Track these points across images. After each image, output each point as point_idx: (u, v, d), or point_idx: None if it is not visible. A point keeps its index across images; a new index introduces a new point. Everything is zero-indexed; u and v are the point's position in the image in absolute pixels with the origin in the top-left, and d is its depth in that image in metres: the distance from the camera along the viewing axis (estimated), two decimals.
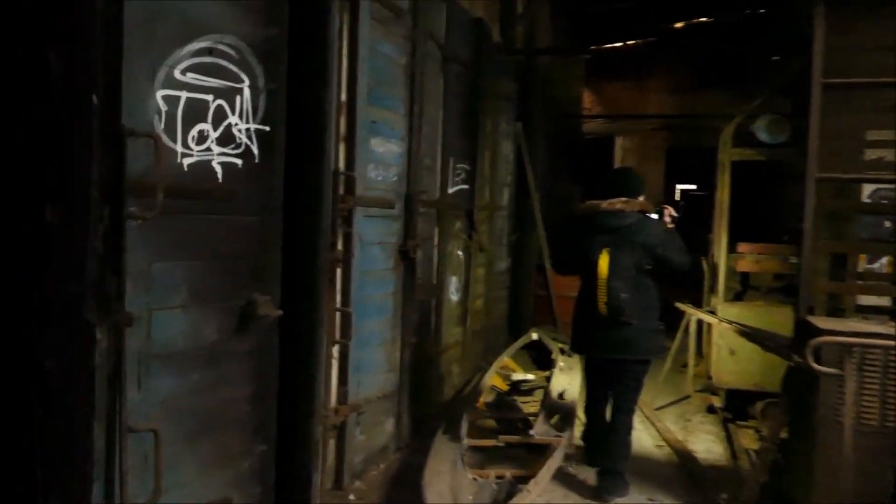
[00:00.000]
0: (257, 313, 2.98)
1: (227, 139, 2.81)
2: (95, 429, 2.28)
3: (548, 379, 5.98)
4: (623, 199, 4.20)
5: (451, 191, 5.83)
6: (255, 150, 2.96)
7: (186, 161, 2.66)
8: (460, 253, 6.17)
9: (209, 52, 2.71)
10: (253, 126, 2.94)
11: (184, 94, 2.63)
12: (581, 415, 4.90)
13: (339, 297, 4.03)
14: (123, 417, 2.40)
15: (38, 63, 1.87)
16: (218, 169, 2.79)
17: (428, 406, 5.45)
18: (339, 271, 3.99)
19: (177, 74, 2.59)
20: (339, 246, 3.93)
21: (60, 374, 2.07)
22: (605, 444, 4.35)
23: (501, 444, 4.66)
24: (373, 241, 4.37)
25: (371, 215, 4.29)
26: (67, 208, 1.94)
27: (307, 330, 3.30)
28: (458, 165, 6.02)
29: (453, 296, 6.02)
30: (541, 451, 4.41)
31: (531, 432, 4.61)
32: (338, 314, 3.97)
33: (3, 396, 2.02)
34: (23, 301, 2.01)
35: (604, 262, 4.08)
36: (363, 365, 4.36)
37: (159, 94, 2.54)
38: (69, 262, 2.07)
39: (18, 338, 2.01)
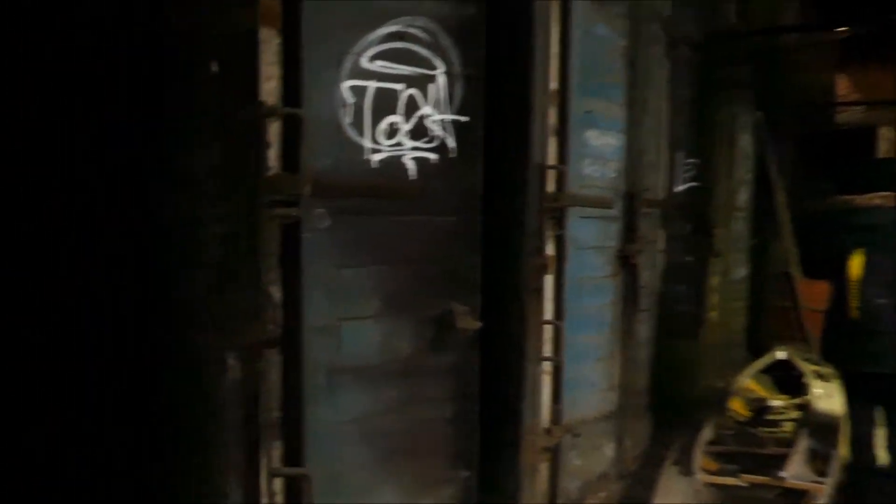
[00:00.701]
0: (455, 325, 2.69)
1: (419, 132, 2.56)
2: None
3: (800, 408, 5.07)
4: (883, 193, 3.40)
5: (678, 189, 5.18)
6: (451, 144, 2.67)
7: (375, 157, 2.44)
8: (691, 259, 5.48)
9: (399, 36, 2.47)
10: (448, 117, 2.65)
11: (372, 84, 2.40)
12: (845, 451, 4.03)
13: (549, 308, 3.63)
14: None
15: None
16: (410, 165, 2.54)
17: (654, 431, 4.86)
18: (548, 279, 3.59)
19: (364, 63, 2.38)
20: (549, 250, 3.53)
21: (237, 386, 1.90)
22: (877, 492, 3.49)
23: (744, 485, 3.95)
24: (588, 244, 3.91)
25: (586, 216, 3.83)
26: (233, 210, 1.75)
27: (511, 344, 2.95)
28: (687, 160, 5.35)
29: (683, 307, 5.35)
30: (794, 499, 3.65)
31: (782, 474, 3.85)
32: (548, 327, 3.57)
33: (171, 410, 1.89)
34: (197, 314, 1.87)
35: (857, 264, 3.34)
36: (579, 382, 3.92)
37: (345, 84, 2.34)
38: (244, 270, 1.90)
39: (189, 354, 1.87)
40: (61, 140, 2.11)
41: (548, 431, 3.68)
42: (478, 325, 2.74)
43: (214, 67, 1.35)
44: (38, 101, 2.12)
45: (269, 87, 2.20)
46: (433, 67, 2.59)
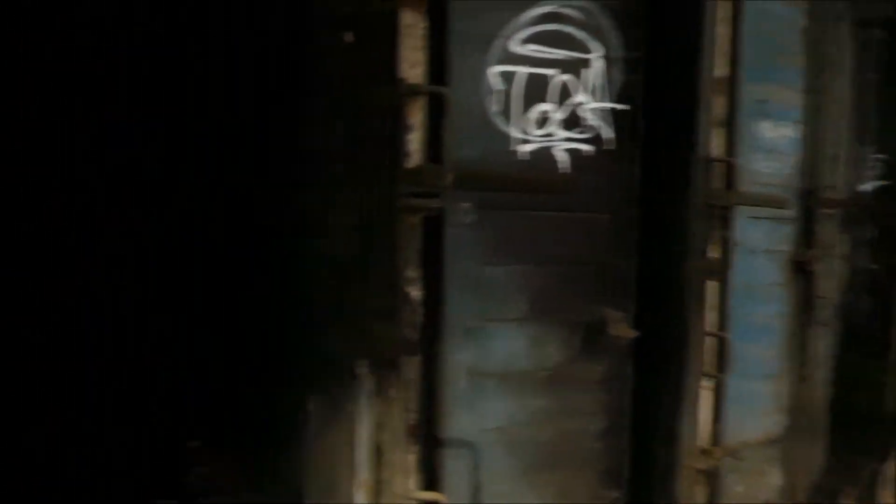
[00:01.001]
0: (607, 332, 2.46)
1: (572, 121, 2.36)
2: None
3: None
4: None
5: (863, 188, 4.60)
6: (607, 134, 2.45)
7: (524, 148, 2.27)
8: (877, 267, 4.86)
9: (553, 17, 2.29)
10: (605, 105, 2.43)
11: (522, 70, 2.24)
12: None
13: (712, 317, 3.29)
14: None
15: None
16: (561, 157, 2.35)
17: (829, 459, 4.33)
18: (712, 285, 3.25)
19: (514, 47, 2.22)
20: (713, 253, 3.19)
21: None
22: None
23: None
24: (757, 248, 3.51)
25: (756, 216, 3.44)
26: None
27: (669, 356, 2.67)
28: (875, 155, 4.74)
29: (867, 321, 4.75)
30: None
31: None
32: (711, 338, 3.23)
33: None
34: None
35: None
36: (743, 400, 3.53)
37: (493, 70, 2.19)
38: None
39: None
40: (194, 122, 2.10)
41: (706, 453, 3.35)
42: (633, 333, 2.49)
43: (349, 38, 1.22)
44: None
45: (414, 74, 2.10)
46: (589, 51, 2.38)
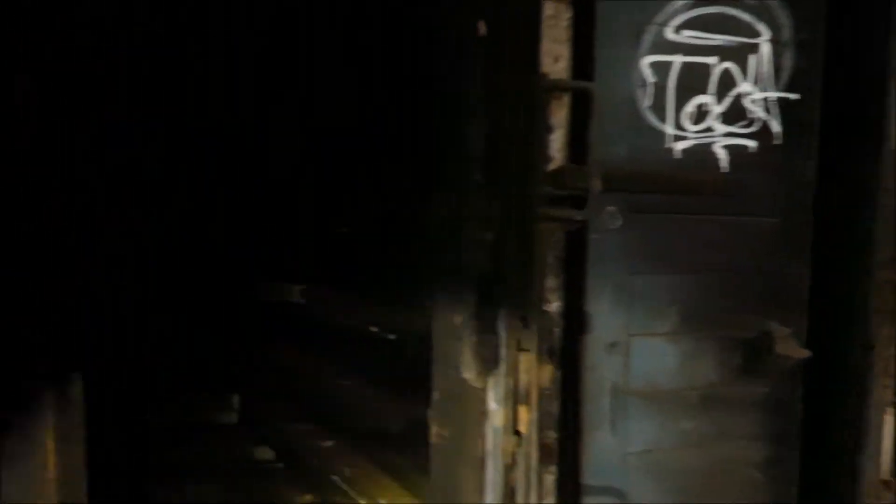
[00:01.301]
0: (773, 351, 2.19)
1: (734, 114, 2.11)
2: None
3: None
4: None
5: None
6: (776, 128, 2.17)
7: (679, 145, 2.06)
8: None
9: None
10: (773, 94, 2.16)
11: (677, 59, 2.03)
12: None
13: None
14: None
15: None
16: (721, 154, 2.11)
17: None
18: None
19: (669, 34, 2.01)
20: None
21: None
22: None
23: None
24: None
25: None
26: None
27: (848, 380, 2.34)
28: None
29: None
30: None
31: None
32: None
33: None
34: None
35: None
36: None
37: (645, 60, 2.00)
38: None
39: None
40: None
41: (887, 485, 2.94)
42: (805, 353, 2.20)
43: (482, 30, 1.10)
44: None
45: (558, 69, 1.96)
46: (756, 34, 2.11)
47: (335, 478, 2.70)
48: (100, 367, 2.34)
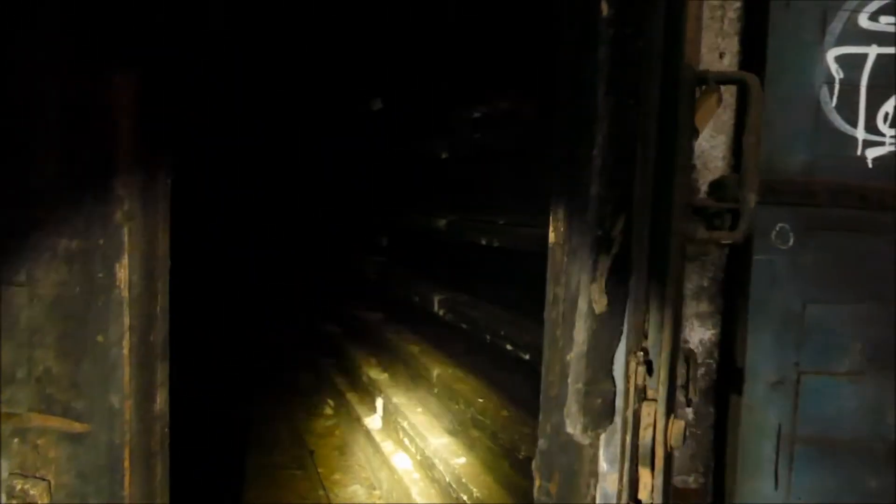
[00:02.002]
0: None
1: None
2: None
3: None
4: None
5: None
6: None
7: (872, 152, 1.74)
8: None
9: None
10: None
11: (872, 51, 1.71)
12: None
13: None
14: None
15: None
16: None
17: None
18: None
19: (862, 22, 1.71)
20: None
21: None
22: None
23: None
24: None
25: None
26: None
27: None
28: None
29: None
30: None
31: None
32: None
33: None
34: None
35: None
36: None
37: (831, 53, 1.70)
38: None
39: None
40: None
41: None
42: None
43: (605, 10, 0.92)
44: None
45: (722, 67, 1.72)
46: None
47: None
48: None
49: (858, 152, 1.73)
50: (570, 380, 1.05)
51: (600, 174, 0.99)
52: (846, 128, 1.72)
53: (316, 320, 4.66)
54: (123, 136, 0.94)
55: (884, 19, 1.72)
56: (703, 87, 1.11)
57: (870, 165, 1.74)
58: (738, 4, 1.73)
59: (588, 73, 0.97)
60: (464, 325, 2.50)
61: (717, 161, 1.74)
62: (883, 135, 1.73)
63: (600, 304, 1.03)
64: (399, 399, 3.00)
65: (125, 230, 0.92)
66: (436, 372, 2.73)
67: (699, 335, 1.76)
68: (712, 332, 1.76)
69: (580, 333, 1.03)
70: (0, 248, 0.92)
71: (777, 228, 1.71)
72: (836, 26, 1.70)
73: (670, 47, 1.03)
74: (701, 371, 1.78)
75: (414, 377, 3.02)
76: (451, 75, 2.82)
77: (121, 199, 0.92)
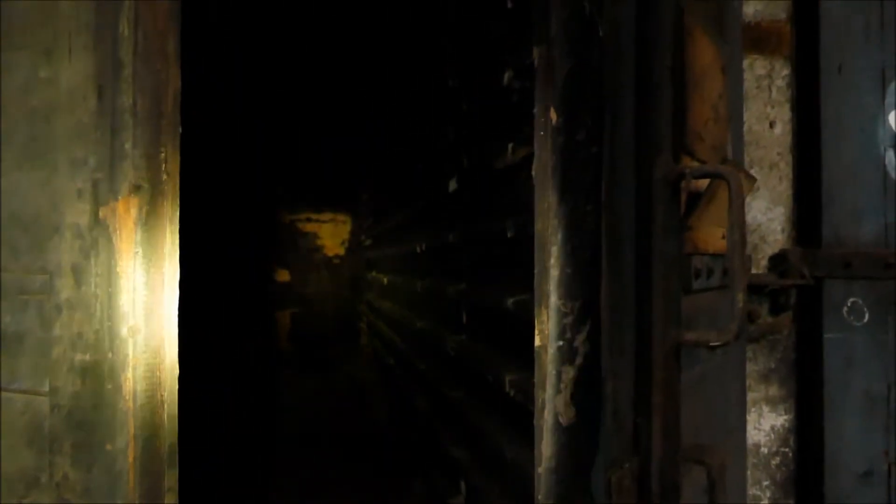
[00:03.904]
0: None
1: None
2: None
3: None
4: None
5: None
6: None
7: None
8: None
9: None
10: None
11: None
12: None
13: None
14: None
15: None
16: None
17: None
18: None
19: None
20: None
21: None
22: None
23: None
24: None
25: None
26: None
27: None
28: None
29: None
30: None
31: None
32: None
33: None
34: None
35: None
36: None
37: (894, 114, 1.60)
38: None
39: None
40: None
41: None
42: None
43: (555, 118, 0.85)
44: None
45: (773, 136, 1.65)
46: None
47: None
48: None
49: None
50: (540, 497, 0.98)
51: (557, 285, 0.95)
52: None
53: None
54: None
55: None
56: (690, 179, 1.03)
57: None
58: (786, 72, 1.66)
59: (543, 183, 0.95)
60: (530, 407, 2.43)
61: (776, 234, 1.64)
62: None
63: (566, 416, 0.96)
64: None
65: (130, 344, 0.97)
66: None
67: (770, 421, 1.62)
68: (785, 417, 1.63)
69: (548, 447, 0.97)
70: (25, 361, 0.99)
71: (849, 304, 1.58)
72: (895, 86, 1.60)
73: (641, 147, 0.99)
74: (776, 461, 1.64)
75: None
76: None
77: (125, 316, 0.97)
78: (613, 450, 0.98)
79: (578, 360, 0.95)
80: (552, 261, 0.94)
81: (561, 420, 0.96)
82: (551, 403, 0.97)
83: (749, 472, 1.63)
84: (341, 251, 8.31)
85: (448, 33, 3.30)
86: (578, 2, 0.93)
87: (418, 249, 4.70)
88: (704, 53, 1.13)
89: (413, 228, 4.66)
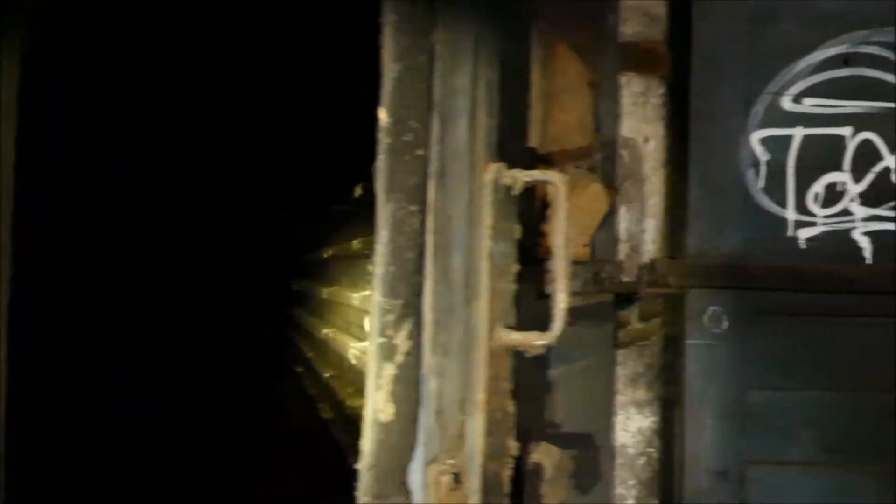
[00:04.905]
0: None
1: (877, 194, 1.74)
2: None
3: None
4: None
5: None
6: None
7: (804, 233, 1.72)
8: None
9: (843, 62, 1.73)
10: None
11: (798, 132, 1.72)
12: None
13: None
14: None
15: None
16: (864, 243, 1.73)
17: None
18: None
19: (785, 104, 1.72)
20: None
21: None
22: None
23: None
24: None
25: None
26: None
27: None
28: None
29: None
30: None
31: None
32: None
33: None
34: None
35: None
36: None
37: (755, 136, 1.71)
38: None
39: None
40: None
41: None
42: None
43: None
44: None
45: (647, 151, 1.74)
46: None
47: None
48: None
49: (790, 233, 1.71)
50: (360, 495, 1.01)
51: (380, 283, 0.98)
52: (775, 209, 1.71)
53: None
54: None
55: (808, 101, 1.72)
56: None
57: (803, 247, 1.71)
58: (661, 90, 1.75)
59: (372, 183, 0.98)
60: None
61: (647, 244, 1.72)
62: (814, 215, 1.71)
63: (386, 413, 0.99)
64: None
65: None
66: None
67: (637, 423, 1.70)
68: (651, 419, 1.70)
69: (367, 444, 0.99)
70: None
71: (709, 312, 1.67)
72: (758, 110, 1.71)
73: (474, 153, 1.03)
74: (642, 461, 1.71)
75: None
76: None
77: None
78: (435, 447, 1.00)
79: (399, 358, 0.98)
80: (377, 258, 0.96)
81: (380, 416, 0.98)
82: (371, 400, 0.99)
83: (616, 472, 1.69)
84: None
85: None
86: (410, 4, 0.96)
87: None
88: (568, 69, 1.19)
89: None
